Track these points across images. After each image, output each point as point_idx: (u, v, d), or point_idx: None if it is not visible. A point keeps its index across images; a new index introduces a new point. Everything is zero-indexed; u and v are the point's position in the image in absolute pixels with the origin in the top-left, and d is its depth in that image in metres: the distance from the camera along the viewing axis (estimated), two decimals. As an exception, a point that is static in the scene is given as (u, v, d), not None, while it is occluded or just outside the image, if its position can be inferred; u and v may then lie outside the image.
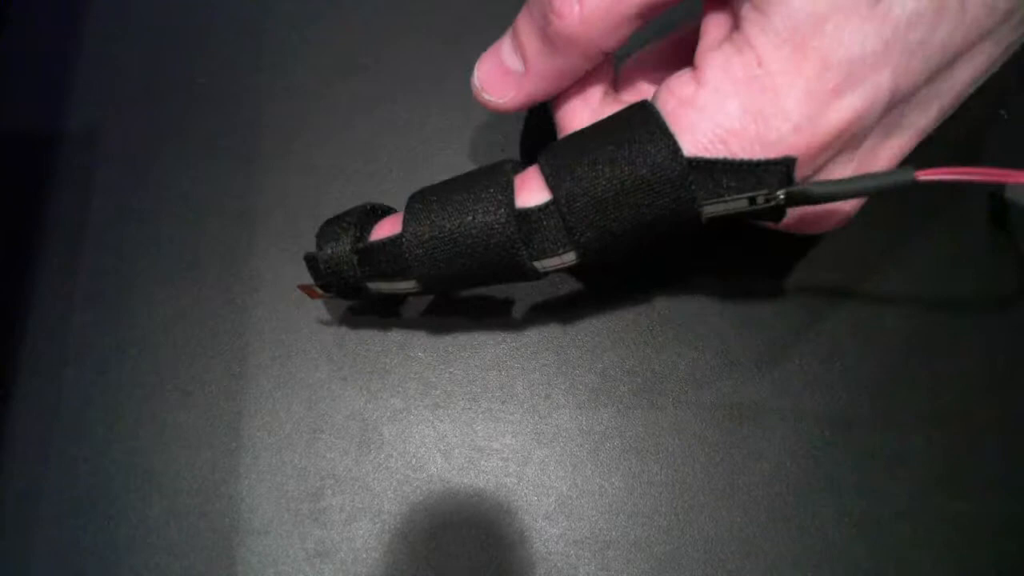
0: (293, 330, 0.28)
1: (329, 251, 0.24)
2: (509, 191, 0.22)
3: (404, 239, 0.22)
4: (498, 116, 0.30)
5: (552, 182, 0.21)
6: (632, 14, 0.21)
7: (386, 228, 0.24)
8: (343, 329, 0.27)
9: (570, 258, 0.22)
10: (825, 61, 0.19)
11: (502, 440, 0.26)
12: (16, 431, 0.26)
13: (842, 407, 0.26)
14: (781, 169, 0.19)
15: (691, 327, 0.27)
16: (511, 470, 0.26)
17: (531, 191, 0.22)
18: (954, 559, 0.25)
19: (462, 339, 0.27)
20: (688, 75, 0.21)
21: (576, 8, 0.21)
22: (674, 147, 0.20)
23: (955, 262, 0.28)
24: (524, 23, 0.23)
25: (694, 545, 0.25)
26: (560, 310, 0.28)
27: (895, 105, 0.20)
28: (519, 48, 0.23)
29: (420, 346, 0.27)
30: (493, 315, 0.28)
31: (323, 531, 0.25)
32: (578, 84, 0.23)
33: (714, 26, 0.21)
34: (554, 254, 0.22)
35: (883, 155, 0.21)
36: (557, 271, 0.23)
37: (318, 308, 0.28)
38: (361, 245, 0.23)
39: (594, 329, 0.27)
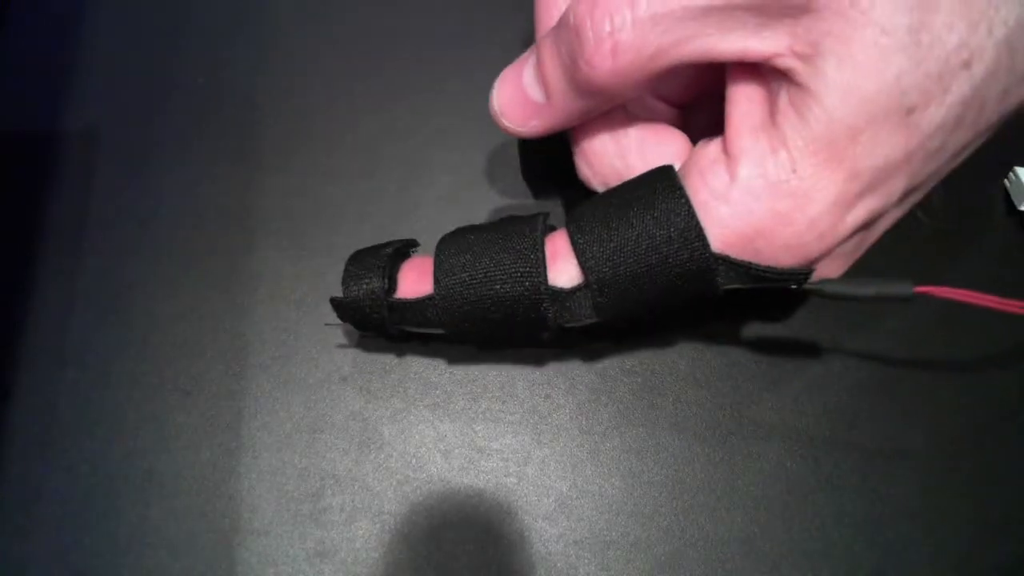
0: (293, 330, 0.28)
1: (355, 293, 0.24)
2: (541, 265, 0.22)
3: (435, 300, 0.23)
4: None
5: (583, 261, 0.22)
6: (665, 70, 0.20)
7: (413, 276, 0.24)
8: (343, 328, 0.27)
9: (591, 322, 0.23)
10: (853, 170, 0.19)
11: (502, 440, 0.26)
12: (16, 431, 0.26)
13: (842, 407, 0.26)
14: (801, 276, 0.21)
15: (691, 328, 0.27)
16: (511, 470, 0.26)
17: (562, 263, 0.22)
18: (954, 559, 0.25)
19: (462, 339, 0.27)
20: (720, 158, 0.21)
21: (609, 61, 0.20)
22: (704, 246, 0.21)
23: (955, 260, 0.28)
24: (550, 59, 0.22)
25: (694, 545, 0.25)
26: (560, 310, 0.28)
27: (905, 199, 0.21)
28: (543, 81, 0.22)
29: (420, 346, 0.27)
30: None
31: (323, 531, 0.25)
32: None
33: (745, 97, 0.21)
34: (578, 322, 0.23)
35: (880, 227, 0.22)
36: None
37: (318, 308, 0.28)
38: (392, 300, 0.24)
39: (594, 329, 0.27)
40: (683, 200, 0.21)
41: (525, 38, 0.32)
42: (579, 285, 0.22)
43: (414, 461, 0.26)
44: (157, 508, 0.25)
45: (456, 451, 0.26)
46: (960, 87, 0.18)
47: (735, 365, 0.27)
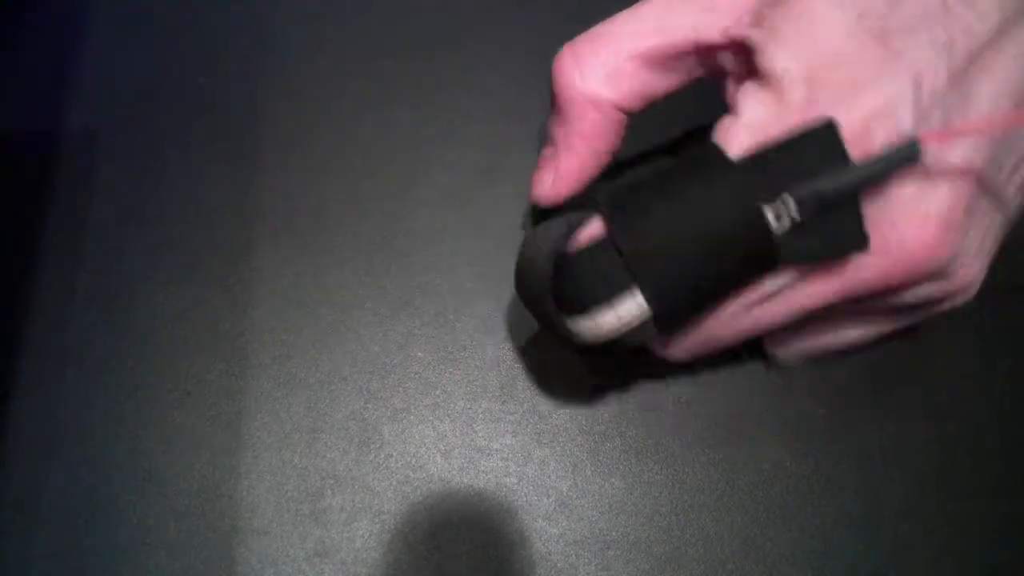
0: (293, 330, 0.28)
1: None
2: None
3: (620, 245, 0.19)
4: (497, 117, 0.30)
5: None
6: (632, 68, 0.20)
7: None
8: (343, 329, 0.27)
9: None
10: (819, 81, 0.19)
11: (502, 440, 0.26)
12: (16, 431, 0.26)
13: (842, 407, 0.26)
14: (826, 133, 0.18)
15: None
16: (511, 470, 0.26)
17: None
18: (954, 559, 0.25)
19: (462, 339, 0.27)
20: (727, 120, 0.20)
21: (575, 72, 0.20)
22: (753, 201, 0.18)
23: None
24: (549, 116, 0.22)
25: (694, 545, 0.25)
26: (560, 310, 0.28)
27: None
28: (547, 138, 0.23)
29: (420, 346, 0.27)
30: (493, 315, 0.28)
31: (323, 531, 0.25)
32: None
33: (734, 78, 0.21)
34: (626, 333, 0.19)
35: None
36: None
37: (318, 308, 0.28)
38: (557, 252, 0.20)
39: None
40: (713, 151, 0.19)
41: (524, 38, 0.32)
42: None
43: (414, 461, 0.26)
44: (157, 508, 0.25)
45: (456, 451, 0.26)
46: None
47: (735, 365, 0.27)
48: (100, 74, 0.31)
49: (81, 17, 0.32)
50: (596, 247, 0.19)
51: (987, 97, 0.18)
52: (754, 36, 0.19)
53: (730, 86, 0.21)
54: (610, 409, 0.26)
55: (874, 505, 0.25)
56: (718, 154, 0.19)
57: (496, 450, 0.26)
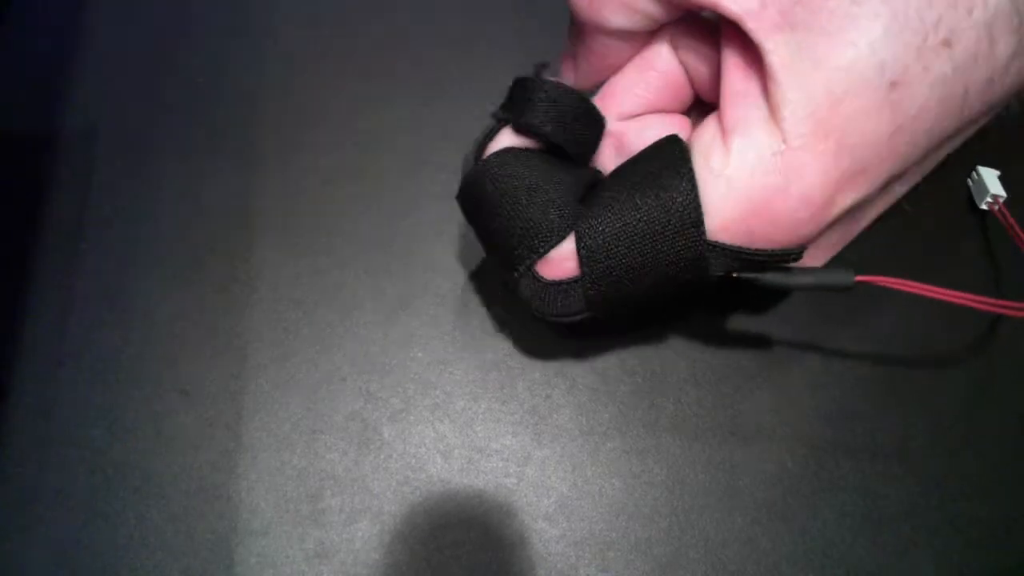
0: (292, 330, 0.27)
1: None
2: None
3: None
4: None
5: (581, 249, 0.21)
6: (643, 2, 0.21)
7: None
8: (342, 329, 0.27)
9: (580, 317, 0.23)
10: (841, 144, 0.19)
11: (502, 440, 0.26)
12: (15, 431, 0.26)
13: (843, 408, 0.26)
14: (793, 255, 0.21)
15: (691, 327, 0.27)
16: (511, 471, 0.26)
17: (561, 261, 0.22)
18: (954, 559, 0.25)
19: (462, 339, 0.27)
20: (717, 134, 0.20)
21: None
22: (700, 232, 0.20)
23: (955, 260, 0.28)
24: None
25: (695, 546, 0.25)
26: (560, 310, 0.28)
27: (889, 186, 0.21)
28: (567, 40, 0.24)
29: (420, 346, 0.27)
30: (493, 315, 0.28)
31: (322, 532, 0.25)
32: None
33: (737, 66, 0.20)
34: (567, 317, 0.23)
35: (866, 218, 0.22)
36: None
37: (317, 308, 0.28)
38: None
39: (594, 329, 0.27)
40: (688, 181, 0.20)
41: (524, 38, 0.32)
42: (575, 277, 0.22)
43: (414, 462, 0.26)
44: (155, 509, 0.25)
45: (456, 451, 0.26)
46: (941, 66, 0.18)
47: (736, 366, 0.27)
48: (100, 74, 0.31)
49: (81, 17, 0.32)
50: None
51: None
52: (773, 58, 0.19)
53: (725, 56, 0.21)
54: (610, 409, 0.26)
55: (874, 505, 0.25)
56: (696, 215, 0.20)
57: (496, 450, 0.26)
